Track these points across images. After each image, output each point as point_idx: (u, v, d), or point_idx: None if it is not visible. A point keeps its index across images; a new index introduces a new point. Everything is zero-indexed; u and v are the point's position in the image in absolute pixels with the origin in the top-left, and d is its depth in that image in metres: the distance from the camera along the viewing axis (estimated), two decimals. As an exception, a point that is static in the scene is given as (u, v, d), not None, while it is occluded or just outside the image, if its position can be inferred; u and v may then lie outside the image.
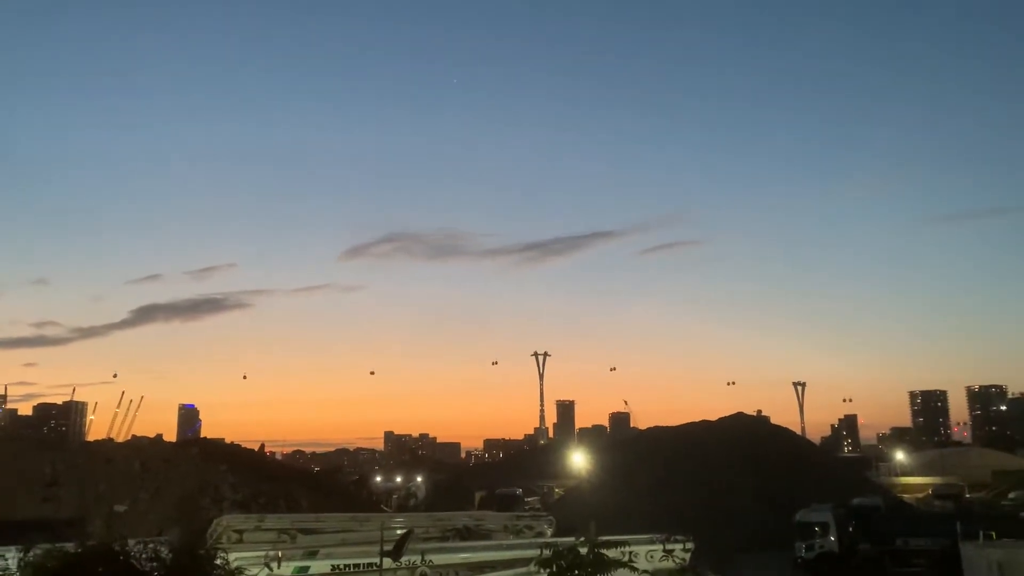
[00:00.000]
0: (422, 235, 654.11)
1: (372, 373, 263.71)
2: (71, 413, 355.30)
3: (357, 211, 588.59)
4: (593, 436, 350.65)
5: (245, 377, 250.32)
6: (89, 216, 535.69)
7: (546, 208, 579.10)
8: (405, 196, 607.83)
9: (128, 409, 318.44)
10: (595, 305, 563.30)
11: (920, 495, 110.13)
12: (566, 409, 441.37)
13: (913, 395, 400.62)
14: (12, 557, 29.30)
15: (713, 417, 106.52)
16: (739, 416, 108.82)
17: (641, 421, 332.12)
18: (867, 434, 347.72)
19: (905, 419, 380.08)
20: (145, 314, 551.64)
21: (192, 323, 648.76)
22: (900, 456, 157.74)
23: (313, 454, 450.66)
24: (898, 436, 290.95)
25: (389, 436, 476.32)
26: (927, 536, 51.58)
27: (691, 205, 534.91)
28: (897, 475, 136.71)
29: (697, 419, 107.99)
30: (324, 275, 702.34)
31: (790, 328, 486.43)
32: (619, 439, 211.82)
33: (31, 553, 19.98)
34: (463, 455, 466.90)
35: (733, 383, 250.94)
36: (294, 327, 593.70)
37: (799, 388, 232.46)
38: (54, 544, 21.01)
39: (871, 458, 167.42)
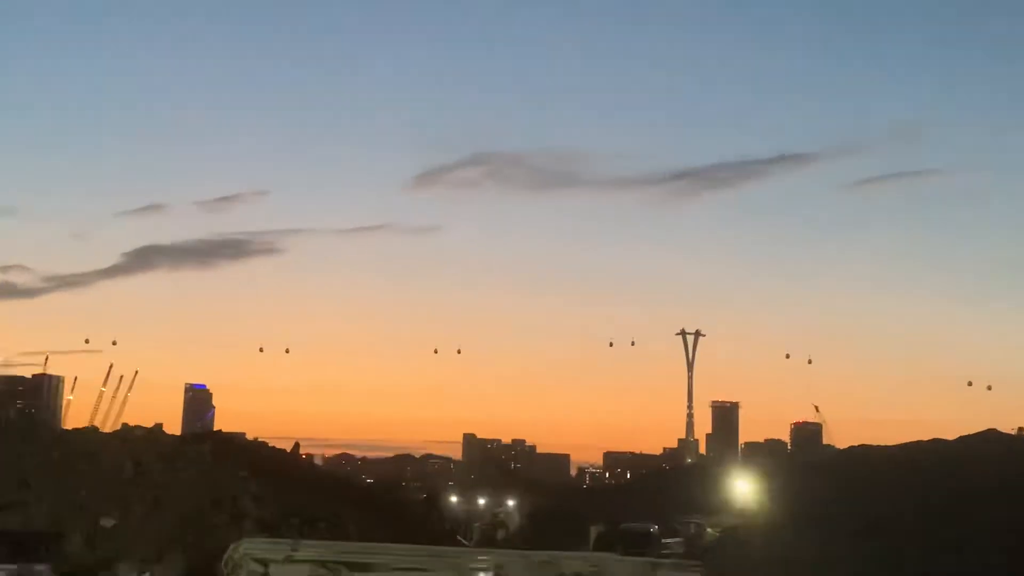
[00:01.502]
0: (522, 157, 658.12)
1: (458, 352, 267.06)
2: (43, 390, 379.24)
3: (430, 124, 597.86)
4: (766, 454, 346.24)
5: (262, 350, 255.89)
6: (70, 127, 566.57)
7: (704, 120, 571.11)
8: (497, 103, 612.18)
9: (118, 388, 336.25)
10: (773, 262, 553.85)
11: None
12: (725, 415, 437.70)
13: None
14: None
15: (949, 434, 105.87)
16: (991, 434, 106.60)
17: (838, 436, 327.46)
18: None
19: None
20: (142, 259, 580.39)
21: (205, 273, 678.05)
22: None
23: (365, 460, 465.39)
24: None
25: (470, 441, 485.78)
26: None
27: (926, 121, 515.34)
28: None
29: (925, 436, 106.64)
30: (384, 211, 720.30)
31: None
32: (807, 460, 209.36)
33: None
34: (573, 472, 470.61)
35: (988, 387, 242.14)
36: (343, 282, 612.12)
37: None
38: (22, 567, 22.13)
39: None
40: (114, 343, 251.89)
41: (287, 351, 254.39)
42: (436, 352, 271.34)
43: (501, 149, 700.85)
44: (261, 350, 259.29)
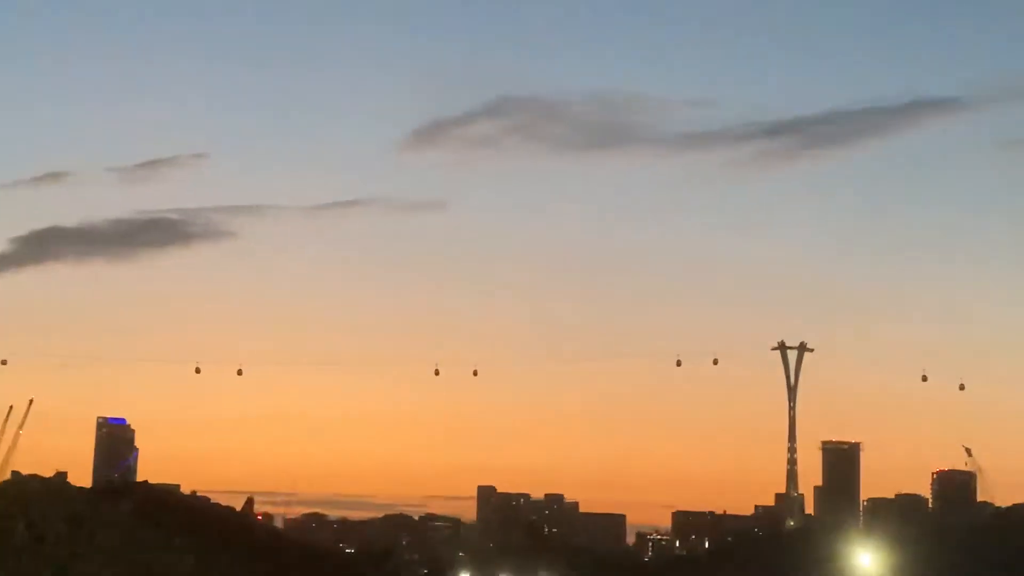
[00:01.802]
0: (559, 105, 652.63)
1: (474, 373, 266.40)
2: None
3: (433, 61, 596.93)
4: (898, 515, 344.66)
5: (198, 371, 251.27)
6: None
7: (809, 57, 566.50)
8: (525, 32, 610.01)
9: (6, 423, 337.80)
10: (905, 248, 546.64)
11: None
12: (842, 460, 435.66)
13: None
14: None
15: None
16: None
17: (998, 490, 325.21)
18: None
19: None
20: (37, 246, 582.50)
21: (123, 265, 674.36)
22: None
23: (344, 523, 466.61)
24: None
25: (487, 496, 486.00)
26: None
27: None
28: None
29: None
30: (368, 180, 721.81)
31: None
32: (955, 523, 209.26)
33: None
34: (631, 539, 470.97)
35: None
36: (312, 277, 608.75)
37: None
38: None
39: None
40: (3, 362, 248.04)
41: (239, 372, 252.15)
42: (437, 373, 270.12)
43: (530, 94, 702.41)
44: (198, 371, 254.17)
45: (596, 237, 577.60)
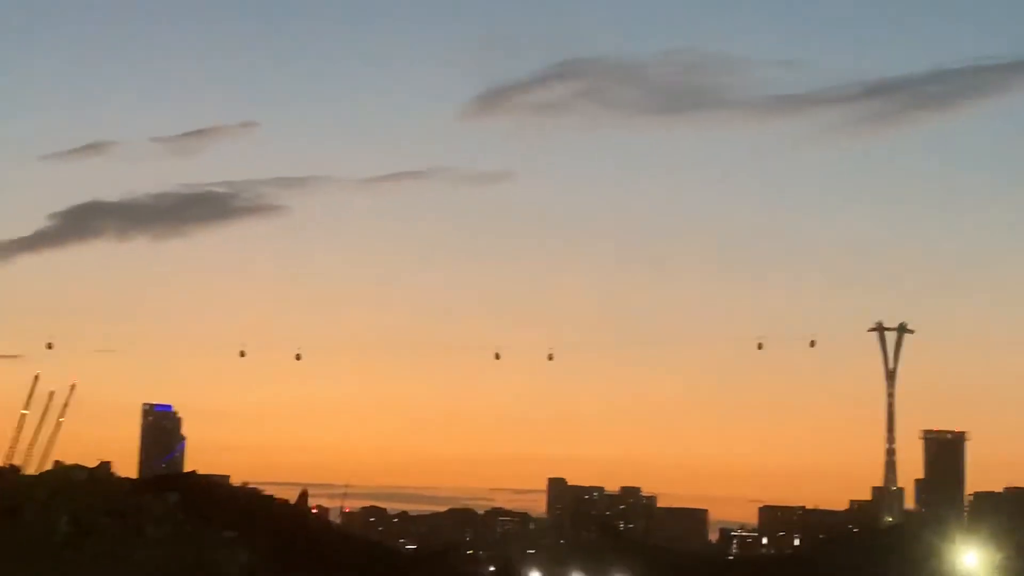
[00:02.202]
0: (634, 67, 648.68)
1: (549, 357, 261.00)
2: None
3: (496, 21, 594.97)
4: (1006, 510, 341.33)
5: (243, 354, 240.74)
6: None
7: (913, 11, 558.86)
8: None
9: (47, 410, 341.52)
10: (1016, 218, 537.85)
11: None
12: (945, 451, 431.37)
13: None
14: None
15: None
16: None
17: None
18: None
19: None
20: (78, 222, 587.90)
21: (169, 242, 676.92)
22: None
23: (404, 517, 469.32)
24: None
25: (558, 489, 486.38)
26: None
27: None
28: None
29: None
30: (429, 150, 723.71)
31: None
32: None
33: None
34: (713, 536, 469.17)
35: None
36: (368, 253, 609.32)
37: None
38: None
39: None
40: (49, 346, 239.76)
41: (297, 357, 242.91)
42: (498, 357, 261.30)
43: (602, 55, 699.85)
44: (242, 354, 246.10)
45: (675, 209, 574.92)
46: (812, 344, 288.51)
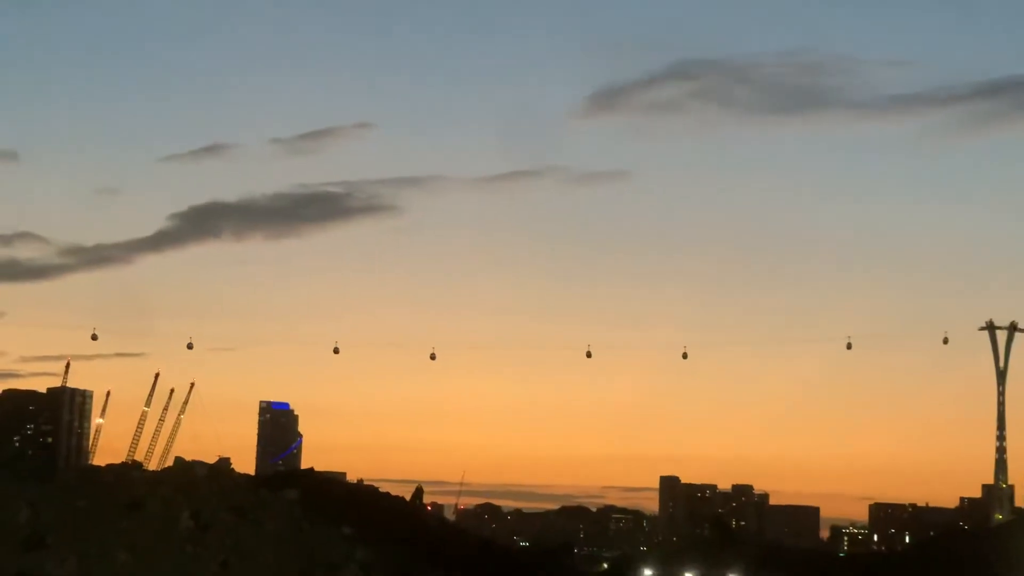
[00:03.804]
0: (750, 68, 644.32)
1: (684, 356, 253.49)
2: (62, 410, 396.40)
3: (610, 21, 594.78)
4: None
5: (337, 351, 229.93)
6: (89, 42, 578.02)
7: (1016, 15, 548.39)
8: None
9: (167, 407, 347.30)
10: None
11: None
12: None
13: None
14: None
15: None
16: None
17: None
18: None
19: None
20: (197, 223, 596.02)
21: (286, 241, 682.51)
22: None
23: (518, 514, 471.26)
24: None
25: (672, 487, 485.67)
26: None
27: None
28: None
29: None
30: (543, 149, 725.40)
31: None
32: None
33: None
34: (825, 533, 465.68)
35: None
36: (484, 252, 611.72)
37: None
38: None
39: None
40: (189, 346, 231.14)
41: (432, 356, 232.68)
42: (589, 356, 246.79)
43: (717, 56, 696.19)
44: (336, 351, 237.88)
45: (790, 209, 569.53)
46: (945, 341, 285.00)
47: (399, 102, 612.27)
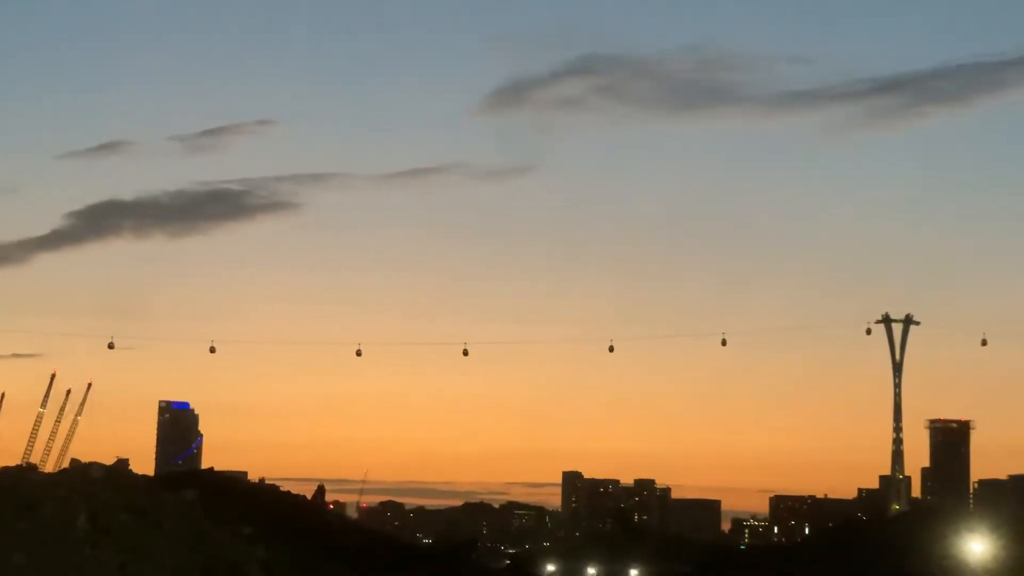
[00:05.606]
0: (650, 63, 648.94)
1: (611, 350, 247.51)
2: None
3: (512, 16, 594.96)
4: (1012, 497, 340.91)
5: (213, 350, 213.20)
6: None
7: (922, 8, 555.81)
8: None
9: (63, 408, 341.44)
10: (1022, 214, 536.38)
11: None
12: (950, 440, 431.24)
13: None
14: None
15: None
16: None
17: None
18: None
19: None
20: (95, 221, 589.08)
21: (186, 240, 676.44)
22: None
23: (420, 512, 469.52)
24: None
25: (574, 483, 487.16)
26: None
27: None
28: None
29: None
30: (444, 146, 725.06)
31: None
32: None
33: None
34: (726, 526, 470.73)
35: None
36: (384, 249, 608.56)
37: None
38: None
39: None
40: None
41: (358, 352, 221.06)
42: (466, 354, 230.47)
43: (617, 51, 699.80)
44: (212, 350, 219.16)
45: (689, 204, 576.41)
46: (868, 332, 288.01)
47: (300, 99, 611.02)
